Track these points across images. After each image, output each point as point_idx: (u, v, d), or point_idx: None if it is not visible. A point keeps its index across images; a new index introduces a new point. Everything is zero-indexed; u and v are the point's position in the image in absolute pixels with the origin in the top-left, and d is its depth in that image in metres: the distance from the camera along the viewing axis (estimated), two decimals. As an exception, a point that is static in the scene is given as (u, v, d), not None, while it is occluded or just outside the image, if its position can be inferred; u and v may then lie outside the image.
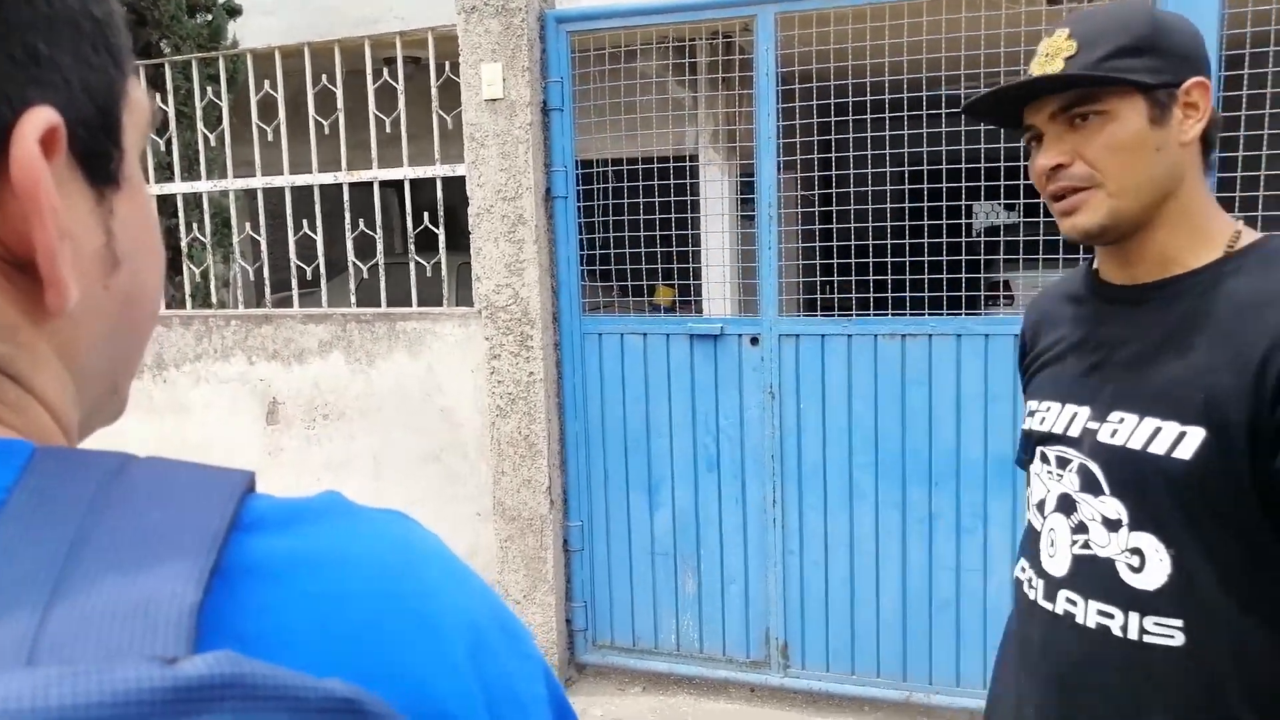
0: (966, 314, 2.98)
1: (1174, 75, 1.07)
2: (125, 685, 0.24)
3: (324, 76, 3.58)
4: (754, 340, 3.16)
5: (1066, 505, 1.15)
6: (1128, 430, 1.08)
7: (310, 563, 0.33)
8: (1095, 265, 1.22)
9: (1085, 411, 1.14)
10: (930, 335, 2.97)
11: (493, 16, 3.20)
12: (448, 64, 3.38)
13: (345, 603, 0.33)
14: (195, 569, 0.30)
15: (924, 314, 3.01)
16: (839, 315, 3.10)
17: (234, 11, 6.20)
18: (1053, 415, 1.19)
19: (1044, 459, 1.20)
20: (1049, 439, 1.19)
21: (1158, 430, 1.05)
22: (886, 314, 3.05)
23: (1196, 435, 1.02)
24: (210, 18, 6.00)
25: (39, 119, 0.33)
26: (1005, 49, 2.77)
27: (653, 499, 3.35)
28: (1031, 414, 1.24)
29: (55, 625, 0.28)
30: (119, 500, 0.32)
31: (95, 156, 0.37)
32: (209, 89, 3.82)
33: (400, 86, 3.47)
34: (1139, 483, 1.07)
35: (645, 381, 3.31)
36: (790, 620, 3.24)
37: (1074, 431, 1.15)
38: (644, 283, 3.40)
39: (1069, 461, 1.15)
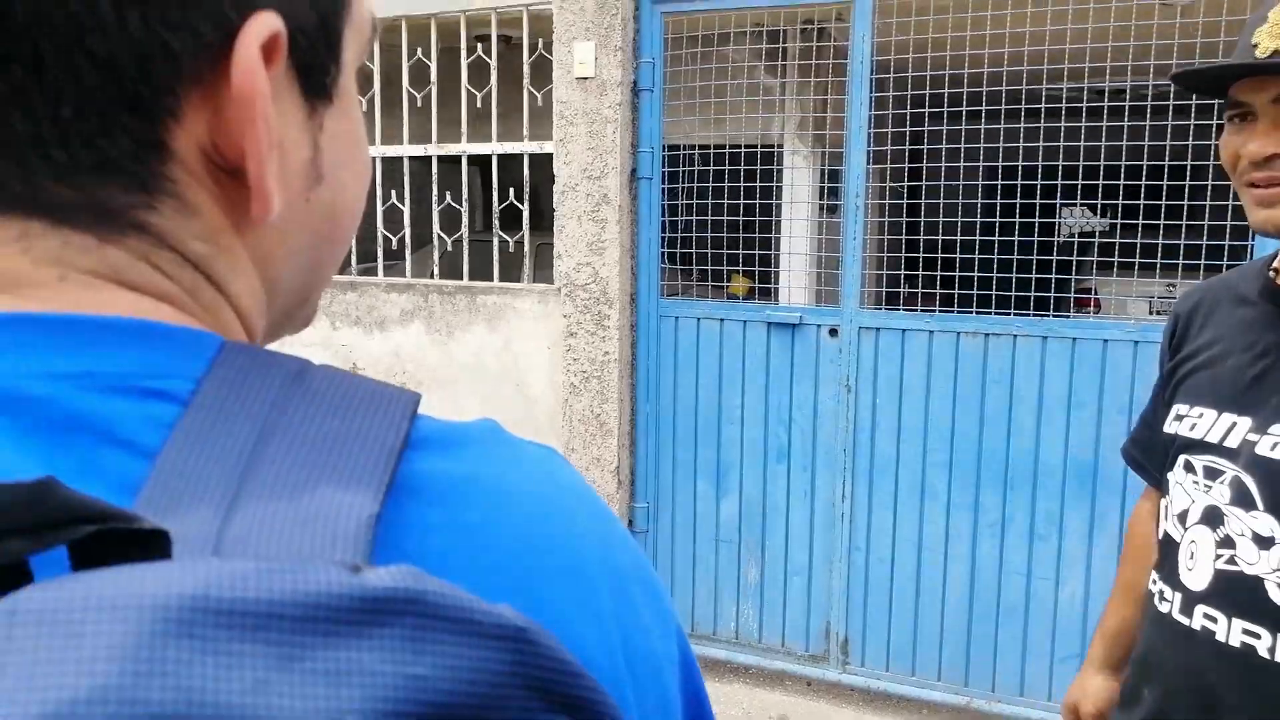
0: (1054, 316, 2.91)
1: None
2: (317, 587, 0.24)
3: (419, 50, 3.64)
4: (833, 331, 3.13)
5: (1213, 518, 1.10)
6: None
7: (469, 489, 0.33)
8: (1275, 266, 1.15)
9: (1246, 422, 1.08)
10: (1015, 336, 2.90)
11: (588, -4, 3.21)
12: (540, 42, 3.40)
13: (499, 536, 0.32)
14: (373, 481, 0.30)
15: (1009, 313, 2.94)
16: (921, 310, 3.05)
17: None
18: (1206, 423, 1.13)
19: (1189, 468, 1.14)
20: (1198, 447, 1.13)
21: None
22: (970, 312, 2.99)
23: None
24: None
25: (263, 25, 0.33)
26: (1113, 43, 2.69)
27: (720, 486, 3.35)
28: (1180, 418, 1.17)
29: (240, 520, 0.28)
30: (301, 402, 0.32)
31: (313, 69, 0.37)
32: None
33: (493, 63, 3.51)
34: None
35: (719, 368, 3.30)
36: (852, 616, 3.20)
37: (1231, 442, 1.09)
38: (724, 268, 3.39)
39: (1221, 473, 1.10)
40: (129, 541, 0.25)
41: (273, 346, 0.38)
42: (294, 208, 0.38)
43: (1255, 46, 1.02)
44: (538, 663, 0.26)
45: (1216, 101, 2.54)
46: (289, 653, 0.23)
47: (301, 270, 0.41)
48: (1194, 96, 2.60)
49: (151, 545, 0.25)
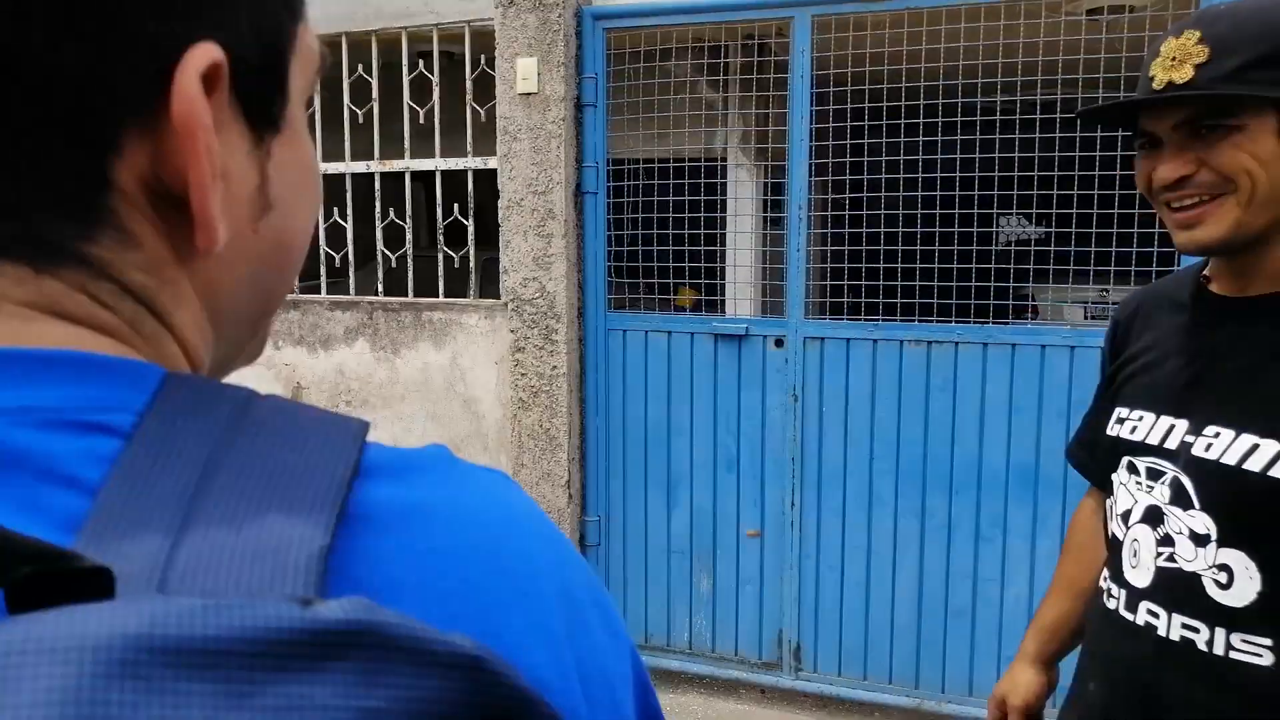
0: (994, 323, 2.97)
1: None
2: (265, 623, 0.24)
3: (360, 66, 3.61)
4: (779, 342, 3.16)
5: (1154, 517, 1.13)
6: (1223, 445, 1.06)
7: (420, 516, 0.32)
8: (1205, 273, 1.18)
9: (1183, 424, 1.12)
10: (957, 343, 2.96)
11: (530, 11, 3.21)
12: (483, 58, 3.40)
13: (450, 561, 0.32)
14: (324, 513, 0.29)
15: (951, 321, 3.00)
16: (865, 319, 3.10)
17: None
18: (1146, 425, 1.16)
19: (1132, 469, 1.17)
20: (1140, 449, 1.16)
21: (1255, 447, 1.03)
22: (913, 320, 3.04)
23: None
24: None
25: (203, 55, 0.33)
26: (1043, 57, 2.77)
27: (671, 497, 3.36)
28: (1121, 421, 1.20)
29: (186, 556, 0.27)
30: (247, 434, 0.31)
31: (257, 99, 0.37)
32: (246, 75, 3.85)
33: (435, 79, 3.50)
34: (1231, 499, 1.05)
35: (668, 380, 3.31)
36: (804, 623, 3.23)
37: (1170, 444, 1.12)
38: (670, 281, 3.40)
39: (1162, 474, 1.13)
40: (70, 582, 0.24)
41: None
42: (242, 238, 0.37)
43: (1152, 80, 1.07)
44: (494, 691, 0.26)
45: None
46: (239, 689, 0.23)
47: (249, 301, 0.40)
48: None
49: (93, 585, 0.25)
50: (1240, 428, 1.05)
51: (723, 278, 3.56)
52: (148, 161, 0.34)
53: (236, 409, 0.32)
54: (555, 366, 3.34)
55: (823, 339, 3.11)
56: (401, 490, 0.33)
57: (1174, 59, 1.04)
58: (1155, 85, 1.06)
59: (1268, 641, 1.03)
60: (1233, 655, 1.04)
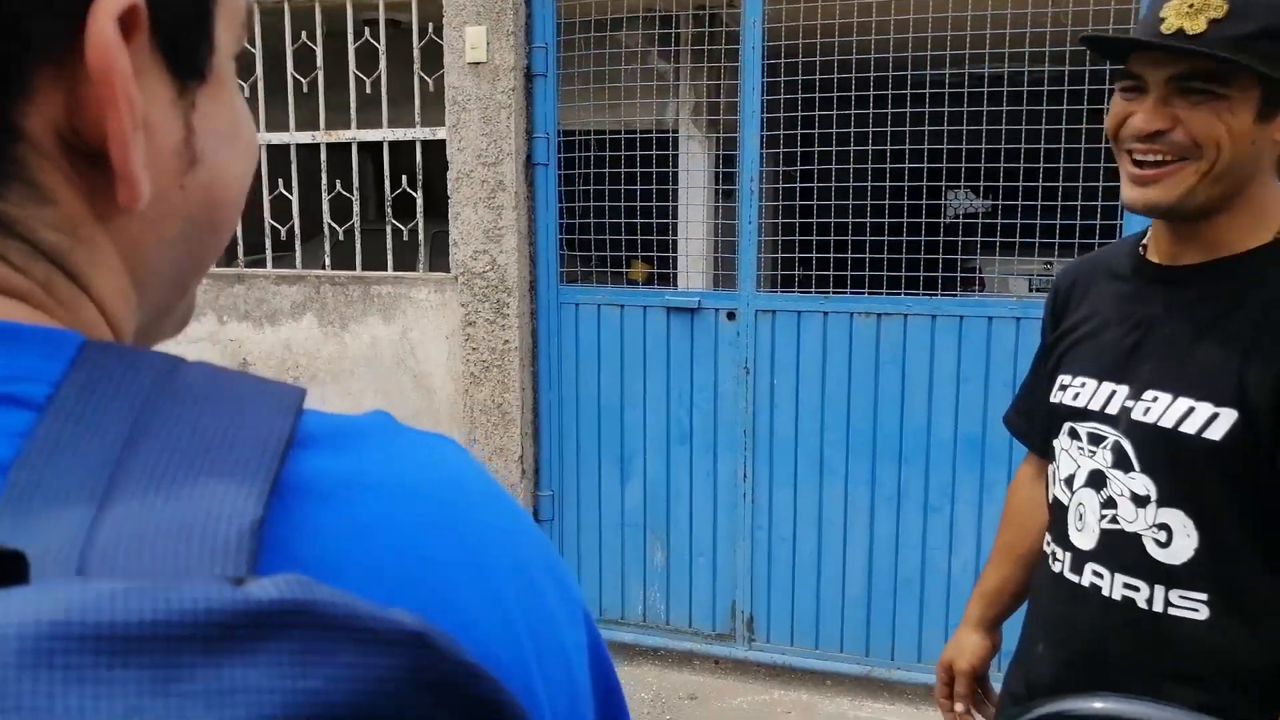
0: (942, 295, 3.01)
1: None
2: (193, 605, 0.22)
3: (304, 34, 3.53)
4: (730, 315, 3.17)
5: (1097, 481, 1.16)
6: (1160, 409, 1.09)
7: (361, 486, 0.31)
8: (1144, 243, 1.20)
9: (1124, 390, 1.14)
10: (905, 315, 2.99)
11: (478, -21, 3.16)
12: (430, 26, 3.33)
13: (394, 533, 0.31)
14: (255, 485, 0.28)
15: (900, 294, 3.03)
16: (816, 292, 3.12)
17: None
18: (1088, 392, 1.18)
19: (1074, 435, 1.19)
20: (1082, 415, 1.18)
21: (1191, 410, 1.06)
22: (863, 293, 3.07)
23: (1229, 417, 1.03)
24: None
25: None
26: (991, 30, 2.79)
27: (624, 471, 3.36)
28: (1064, 388, 1.22)
29: (107, 533, 0.26)
30: (173, 402, 0.30)
31: (180, 46, 0.35)
32: (184, 42, 3.74)
33: (382, 47, 3.43)
34: (1169, 461, 1.08)
35: (620, 353, 3.31)
36: (757, 594, 3.26)
37: (1111, 409, 1.14)
38: (623, 254, 3.39)
39: (1103, 439, 1.15)
40: None
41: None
42: (167, 194, 0.35)
43: (1162, 21, 1.04)
44: (438, 667, 0.25)
45: (1088, 88, 2.64)
46: (165, 675, 0.22)
47: (176, 261, 0.38)
48: (1066, 81, 2.72)
49: (5, 570, 0.23)
50: (1177, 392, 1.08)
51: (675, 250, 3.56)
52: (62, 110, 0.32)
53: (161, 376, 0.31)
54: (507, 341, 3.31)
55: (774, 312, 3.12)
56: (341, 459, 0.31)
57: (1191, 5, 1.01)
58: (1164, 29, 1.03)
59: (1203, 596, 1.06)
60: (1171, 611, 1.08)
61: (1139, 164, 1.08)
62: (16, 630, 0.21)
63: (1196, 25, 1.01)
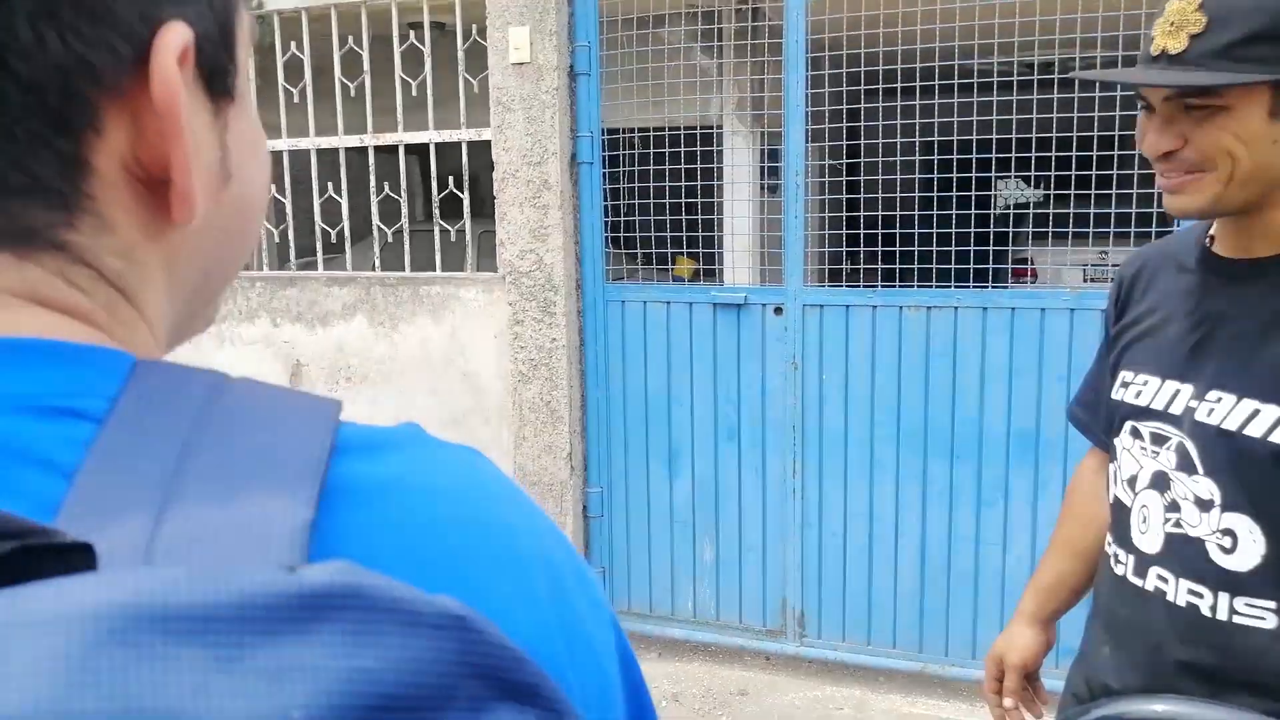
0: (993, 287, 2.96)
1: None
2: (252, 588, 0.24)
3: (350, 39, 3.58)
4: (778, 310, 3.15)
5: (1160, 483, 1.13)
6: (1224, 410, 1.06)
7: (395, 489, 0.33)
8: (1210, 233, 1.17)
9: (1188, 389, 1.11)
10: (956, 308, 2.95)
11: (521, -20, 3.17)
12: (474, 28, 3.36)
13: (430, 530, 0.33)
14: (304, 490, 0.30)
15: (950, 286, 2.99)
16: (864, 286, 3.09)
17: (259, -26, 6.18)
18: (1150, 390, 1.15)
19: (1136, 434, 1.17)
20: (1145, 414, 1.15)
21: (1256, 412, 1.03)
22: (912, 286, 3.03)
23: None
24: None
25: (177, 36, 0.34)
26: (1040, 18, 2.74)
27: (672, 467, 3.37)
28: (1125, 385, 1.19)
29: (169, 531, 0.28)
30: (222, 417, 0.32)
31: (215, 71, 0.37)
32: (235, 50, 3.81)
33: (427, 50, 3.46)
34: (1233, 464, 1.05)
35: (667, 350, 3.31)
36: (807, 590, 3.25)
37: (1175, 409, 1.12)
38: (668, 250, 3.39)
39: (1167, 439, 1.12)
40: (52, 557, 0.24)
41: (200, 341, 0.38)
42: (205, 211, 0.38)
43: (1152, 41, 1.04)
44: (482, 650, 0.26)
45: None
46: (228, 654, 0.23)
47: (207, 271, 0.41)
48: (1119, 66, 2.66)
49: (75, 560, 0.25)
50: (1241, 393, 1.05)
51: (720, 246, 3.55)
52: (126, 143, 0.34)
53: (209, 392, 0.33)
54: (554, 339, 3.33)
55: (821, 306, 3.10)
56: (376, 466, 0.33)
57: (1172, 24, 1.01)
58: (1152, 50, 1.04)
59: (1271, 605, 1.03)
60: (1236, 620, 1.05)
61: (1165, 176, 1.08)
62: (90, 611, 0.22)
63: (1178, 44, 1.00)
